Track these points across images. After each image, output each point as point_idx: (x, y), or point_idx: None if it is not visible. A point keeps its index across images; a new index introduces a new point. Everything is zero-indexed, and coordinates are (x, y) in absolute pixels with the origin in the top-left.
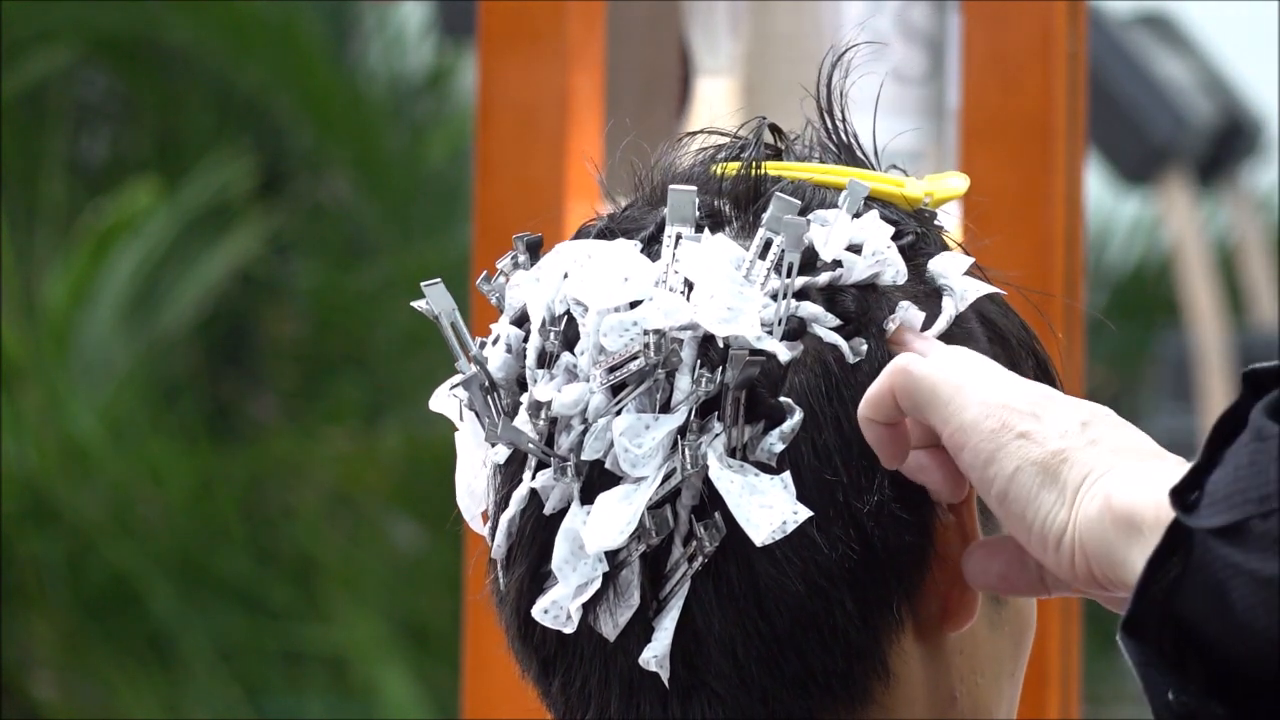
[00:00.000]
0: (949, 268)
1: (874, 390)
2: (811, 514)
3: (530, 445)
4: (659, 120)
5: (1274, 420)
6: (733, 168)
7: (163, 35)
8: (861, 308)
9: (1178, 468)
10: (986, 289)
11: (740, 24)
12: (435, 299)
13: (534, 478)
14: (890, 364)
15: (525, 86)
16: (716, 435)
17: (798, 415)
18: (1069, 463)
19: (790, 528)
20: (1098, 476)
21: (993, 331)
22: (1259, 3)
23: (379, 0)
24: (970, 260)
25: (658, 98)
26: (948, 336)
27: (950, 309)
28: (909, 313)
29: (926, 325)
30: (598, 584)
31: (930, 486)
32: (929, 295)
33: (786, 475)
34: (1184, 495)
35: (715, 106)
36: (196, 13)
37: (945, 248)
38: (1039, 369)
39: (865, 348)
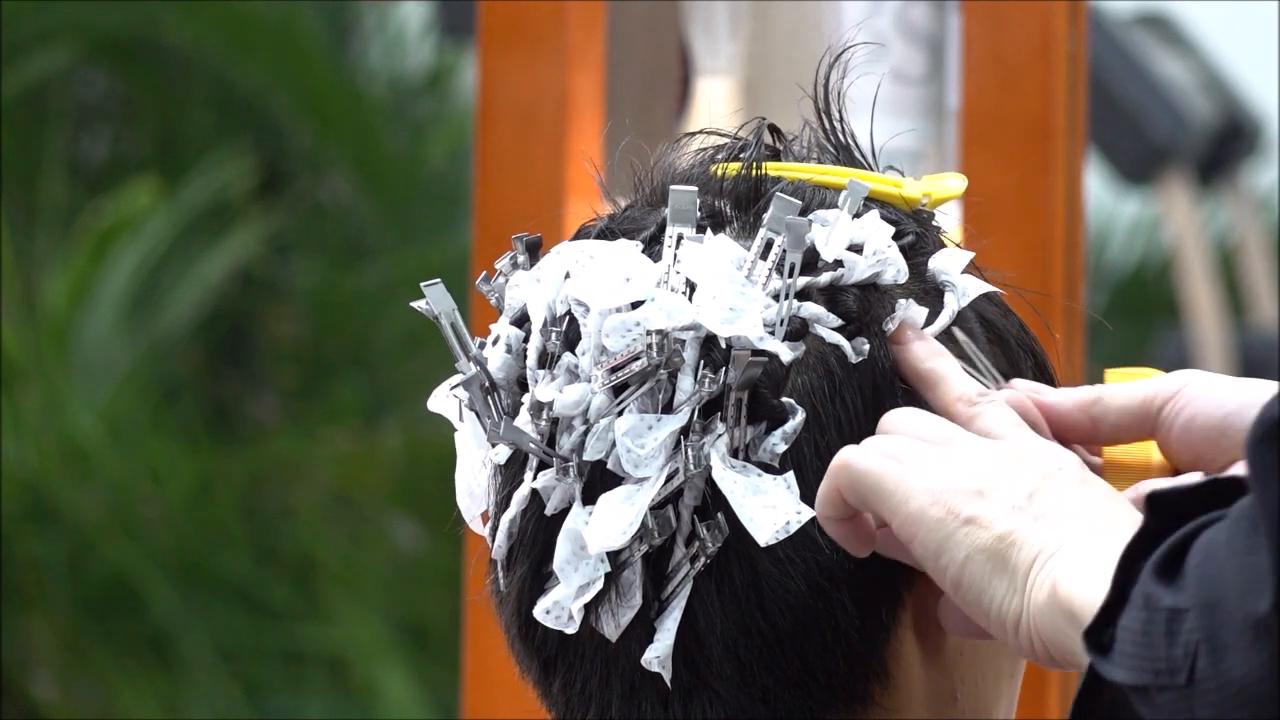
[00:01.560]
0: (950, 265)
1: (823, 490)
2: (814, 514)
3: (532, 446)
4: (659, 120)
5: (1161, 581)
6: (733, 168)
7: (163, 35)
8: (863, 307)
9: (1124, 543)
10: (987, 287)
11: (740, 24)
12: (435, 299)
13: (535, 478)
14: (833, 461)
15: (525, 86)
16: (719, 436)
17: (800, 416)
18: (1016, 545)
19: (794, 528)
20: (1046, 558)
21: (991, 332)
22: (1259, 3)
23: (379, 0)
24: (971, 256)
25: (658, 98)
26: (948, 335)
27: (952, 305)
28: (910, 310)
29: (928, 323)
30: (600, 584)
31: (905, 560)
32: (930, 294)
33: (790, 475)
34: (1099, 634)
35: (715, 106)
36: (196, 13)
37: (944, 248)
38: (1038, 369)
39: (867, 347)
